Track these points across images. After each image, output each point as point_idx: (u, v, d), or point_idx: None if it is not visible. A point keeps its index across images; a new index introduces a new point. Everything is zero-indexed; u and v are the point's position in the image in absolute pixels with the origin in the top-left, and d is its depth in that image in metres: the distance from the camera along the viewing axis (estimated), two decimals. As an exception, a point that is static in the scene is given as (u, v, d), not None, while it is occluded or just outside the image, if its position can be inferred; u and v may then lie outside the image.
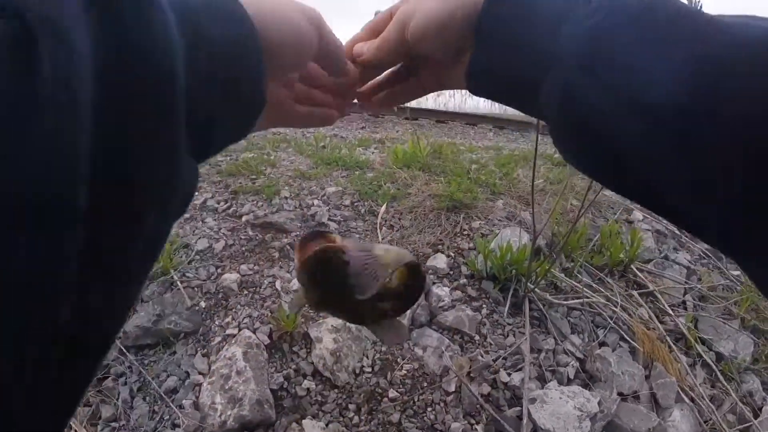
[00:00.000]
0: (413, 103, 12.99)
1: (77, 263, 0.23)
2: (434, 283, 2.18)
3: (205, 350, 1.79)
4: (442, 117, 9.10)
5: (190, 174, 0.32)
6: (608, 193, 3.71)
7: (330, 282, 0.56)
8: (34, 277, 0.21)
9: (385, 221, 2.56)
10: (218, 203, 2.56)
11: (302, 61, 0.45)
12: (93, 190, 0.23)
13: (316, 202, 2.64)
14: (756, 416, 2.24)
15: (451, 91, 14.59)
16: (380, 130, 6.90)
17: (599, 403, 1.84)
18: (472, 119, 9.28)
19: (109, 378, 1.71)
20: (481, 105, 13.96)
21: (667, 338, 2.39)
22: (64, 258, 0.22)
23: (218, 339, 1.82)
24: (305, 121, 0.55)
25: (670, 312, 2.59)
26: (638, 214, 3.48)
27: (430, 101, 13.68)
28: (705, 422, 2.09)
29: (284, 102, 0.52)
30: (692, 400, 2.16)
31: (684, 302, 2.79)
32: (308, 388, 1.70)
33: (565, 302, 2.25)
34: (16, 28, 0.21)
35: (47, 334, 0.23)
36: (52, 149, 0.21)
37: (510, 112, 13.15)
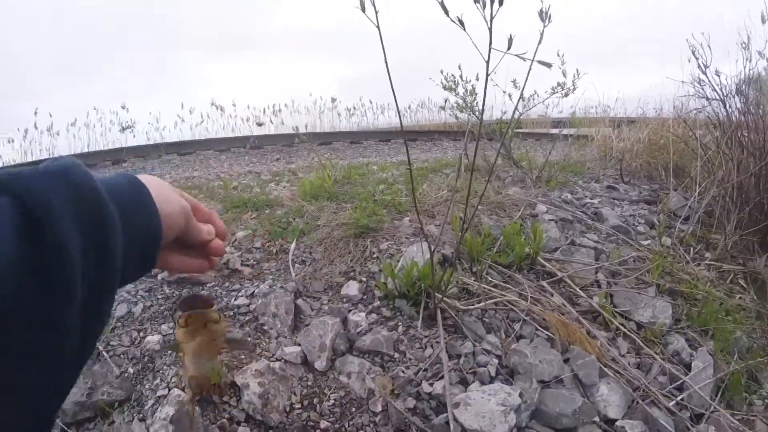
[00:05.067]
0: (327, 127, 13.08)
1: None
2: (350, 311, 2.27)
3: (141, 414, 1.82)
4: (356, 138, 9.21)
5: (110, 306, 0.51)
6: (511, 191, 3.88)
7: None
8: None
9: (297, 257, 2.64)
10: (132, 266, 2.57)
11: (174, 234, 0.65)
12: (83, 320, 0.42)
13: (227, 249, 2.69)
14: (686, 373, 2.35)
15: (363, 110, 14.71)
16: (295, 158, 6.97)
17: (520, 395, 1.95)
18: (385, 135, 9.43)
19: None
20: (394, 120, 14.08)
21: (581, 319, 2.51)
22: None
23: (151, 402, 1.85)
24: (179, 268, 0.74)
25: (582, 294, 2.72)
26: (542, 207, 3.65)
27: (343, 121, 13.74)
28: (635, 390, 2.18)
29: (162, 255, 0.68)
30: (617, 372, 2.25)
31: (597, 281, 2.92)
32: (243, 434, 1.76)
33: (475, 306, 2.36)
34: (22, 212, 0.38)
35: None
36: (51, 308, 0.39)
37: (421, 123, 13.35)
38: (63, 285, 0.38)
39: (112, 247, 0.46)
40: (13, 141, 9.41)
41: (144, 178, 0.60)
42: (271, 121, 12.37)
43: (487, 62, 1.59)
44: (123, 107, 11.07)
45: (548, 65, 1.54)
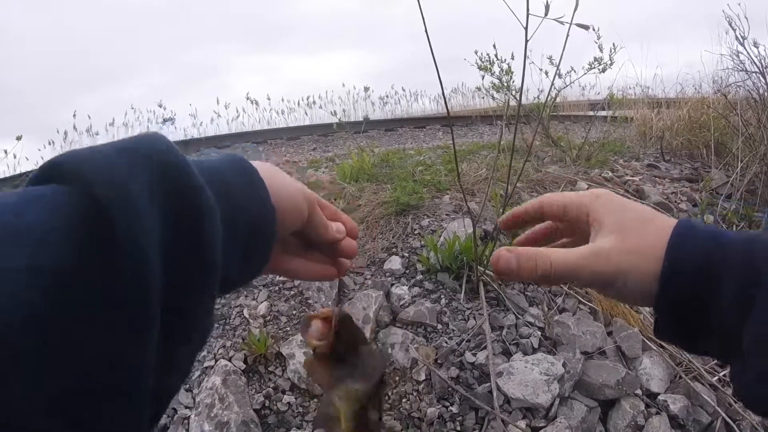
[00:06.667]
0: (361, 116, 13.06)
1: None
2: (393, 284, 2.30)
3: (187, 385, 1.88)
4: (390, 125, 9.21)
5: (210, 319, 0.42)
6: (551, 170, 3.86)
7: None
8: None
9: (339, 235, 2.67)
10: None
11: (294, 228, 0.54)
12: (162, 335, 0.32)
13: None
14: (729, 348, 2.31)
15: (396, 97, 14.66)
16: (331, 147, 7.01)
17: (564, 365, 1.96)
18: (420, 122, 9.42)
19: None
20: (427, 107, 14.03)
21: (624, 293, 2.48)
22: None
23: (198, 373, 1.91)
24: (297, 272, 0.61)
25: (624, 269, 2.68)
26: (582, 183, 3.62)
27: (377, 110, 13.71)
28: (678, 365, 2.17)
29: (277, 256, 0.57)
30: (660, 346, 2.24)
31: (640, 257, 2.89)
32: (289, 403, 1.81)
33: (517, 279, 2.36)
34: (88, 204, 0.30)
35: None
36: (129, 307, 0.30)
37: (455, 109, 13.28)
38: (139, 296, 0.30)
39: (208, 240, 0.37)
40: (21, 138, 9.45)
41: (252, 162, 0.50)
42: (306, 113, 12.46)
43: (526, 28, 1.60)
44: (160, 105, 11.25)
45: (586, 27, 1.54)
